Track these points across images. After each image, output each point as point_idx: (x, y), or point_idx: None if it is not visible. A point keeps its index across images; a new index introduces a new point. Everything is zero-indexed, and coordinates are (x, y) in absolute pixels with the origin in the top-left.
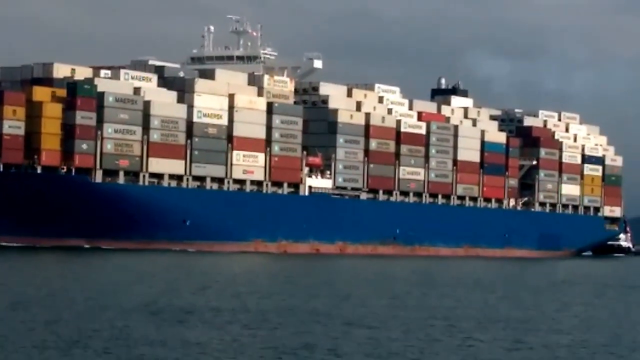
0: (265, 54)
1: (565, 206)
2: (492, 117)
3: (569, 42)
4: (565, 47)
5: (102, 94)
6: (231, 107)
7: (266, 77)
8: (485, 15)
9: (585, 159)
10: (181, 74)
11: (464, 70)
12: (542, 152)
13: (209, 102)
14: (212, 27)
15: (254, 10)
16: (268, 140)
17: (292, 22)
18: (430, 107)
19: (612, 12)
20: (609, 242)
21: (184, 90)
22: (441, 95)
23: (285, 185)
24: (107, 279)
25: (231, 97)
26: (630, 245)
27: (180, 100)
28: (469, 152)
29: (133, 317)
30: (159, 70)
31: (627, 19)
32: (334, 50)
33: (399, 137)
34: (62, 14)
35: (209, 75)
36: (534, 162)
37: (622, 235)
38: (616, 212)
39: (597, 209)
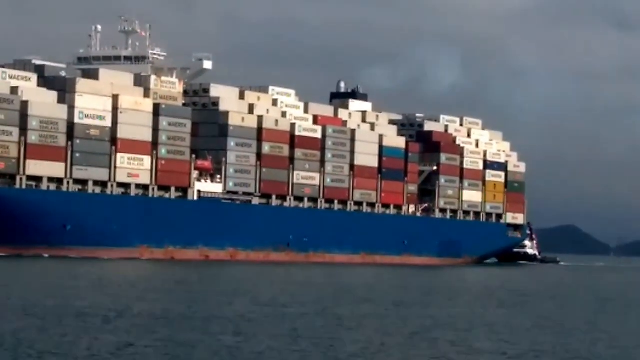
0: (154, 54)
1: (466, 213)
2: (392, 122)
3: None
4: (478, 55)
5: None
6: (115, 109)
7: (153, 77)
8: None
9: (488, 164)
10: (63, 74)
11: (364, 76)
12: (443, 157)
13: (91, 102)
14: (99, 27)
15: (148, 9)
16: (155, 143)
17: (182, 23)
18: (327, 110)
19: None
20: (515, 250)
21: (65, 91)
22: (340, 99)
23: (172, 189)
24: None
25: (115, 97)
26: (537, 253)
27: (61, 100)
28: (367, 157)
29: None
30: (39, 70)
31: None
32: (229, 54)
33: (294, 140)
34: None
35: (92, 75)
36: (435, 168)
37: (527, 243)
38: (519, 219)
39: (499, 216)
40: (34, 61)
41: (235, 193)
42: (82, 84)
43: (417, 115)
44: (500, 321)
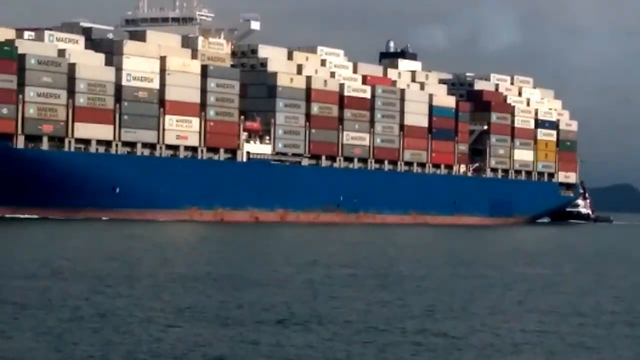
0: (202, 15)
1: (518, 172)
2: (442, 81)
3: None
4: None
5: (23, 56)
6: (163, 70)
7: (201, 39)
8: None
9: (539, 123)
10: (110, 36)
11: (415, 35)
12: (494, 116)
13: (139, 64)
14: None
15: None
16: (203, 105)
17: None
18: (376, 70)
19: None
20: (568, 209)
21: (112, 53)
22: (389, 58)
23: (221, 151)
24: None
25: (163, 59)
26: (590, 212)
27: (108, 62)
28: (417, 116)
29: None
30: (86, 32)
31: None
32: (277, 15)
33: (343, 101)
34: None
35: (139, 37)
36: (485, 127)
37: (580, 202)
38: (571, 178)
39: (551, 175)
40: (81, 24)
41: (285, 154)
42: (129, 46)
43: (467, 74)
44: (564, 281)
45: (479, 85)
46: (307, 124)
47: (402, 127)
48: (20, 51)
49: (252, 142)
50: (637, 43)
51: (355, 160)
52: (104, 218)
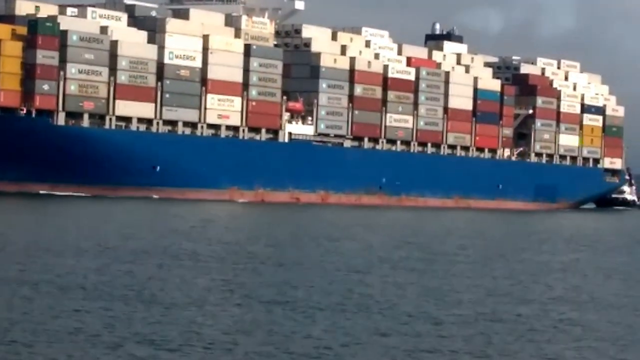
0: None
1: (562, 157)
2: (487, 64)
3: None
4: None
5: (65, 32)
6: (205, 49)
7: (244, 17)
8: None
9: (585, 108)
10: (153, 14)
11: (459, 18)
12: (539, 100)
13: (181, 43)
14: None
15: None
16: (245, 84)
17: None
18: (420, 52)
19: None
20: (613, 195)
21: (155, 31)
22: (434, 39)
23: (263, 131)
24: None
25: (206, 38)
26: (636, 199)
27: (150, 40)
28: (461, 99)
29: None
30: (129, 10)
31: None
32: None
33: (386, 82)
34: None
35: (182, 15)
36: (530, 111)
37: (626, 188)
38: (617, 164)
39: (596, 161)
40: (125, 1)
41: (327, 135)
42: (172, 24)
43: (514, 57)
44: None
45: (524, 69)
46: (350, 105)
47: (446, 110)
48: (62, 27)
49: (294, 122)
50: None
51: (398, 142)
52: (147, 196)
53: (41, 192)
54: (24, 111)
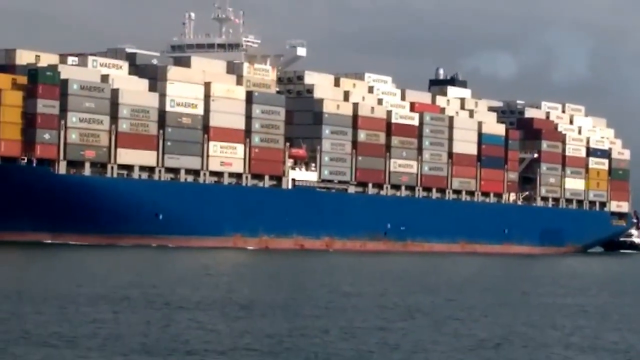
0: (248, 41)
1: (569, 201)
2: (492, 109)
3: (574, 37)
4: (571, 39)
5: (65, 81)
6: (207, 96)
7: (246, 65)
8: (486, 7)
9: (591, 152)
10: (154, 62)
11: (464, 62)
12: (544, 144)
13: (183, 90)
14: (192, 14)
15: None
16: (248, 131)
17: (276, 10)
18: (424, 97)
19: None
20: (621, 238)
21: (156, 79)
22: (438, 84)
23: (266, 178)
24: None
25: (207, 85)
26: None
27: (152, 88)
28: (466, 144)
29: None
30: (131, 58)
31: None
32: (325, 40)
33: (390, 128)
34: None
35: (184, 62)
36: (536, 155)
37: (634, 232)
38: (624, 207)
39: (603, 204)
40: (126, 49)
41: (331, 181)
42: (173, 71)
43: (518, 102)
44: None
45: (529, 113)
46: (354, 151)
47: (450, 154)
48: (63, 76)
49: (297, 169)
50: None
51: (403, 188)
52: (150, 244)
53: (45, 241)
54: (25, 160)
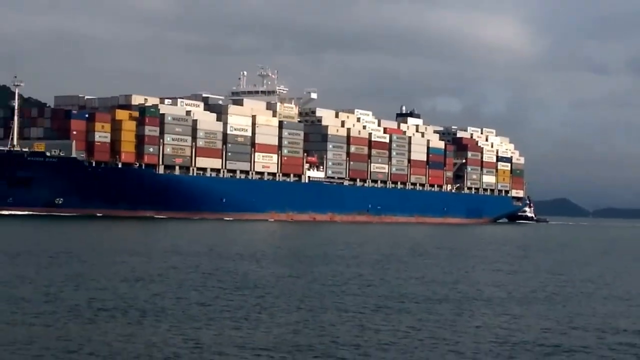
0: (280, 89)
1: (485, 190)
2: (436, 131)
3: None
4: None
5: (163, 114)
6: (254, 124)
7: (278, 104)
8: (444, 66)
9: (499, 158)
10: (220, 102)
11: (425, 103)
12: (469, 154)
13: (238, 120)
14: (245, 72)
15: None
16: (279, 146)
17: (298, 70)
18: (392, 124)
19: (531, 69)
20: (519, 213)
21: (221, 113)
22: (402, 116)
23: (291, 175)
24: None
25: (254, 117)
26: (533, 216)
27: (218, 119)
28: (419, 154)
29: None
30: (205, 99)
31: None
32: (330, 88)
33: (370, 144)
34: (149, 66)
35: (238, 102)
36: (464, 161)
37: (527, 209)
38: (520, 194)
39: (507, 192)
40: (203, 94)
41: (332, 178)
42: (232, 108)
43: (453, 127)
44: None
45: (459, 134)
46: (347, 158)
47: (409, 160)
48: (161, 112)
49: (311, 170)
50: (575, 111)
51: (379, 182)
52: (218, 218)
53: (151, 216)
54: (137, 165)
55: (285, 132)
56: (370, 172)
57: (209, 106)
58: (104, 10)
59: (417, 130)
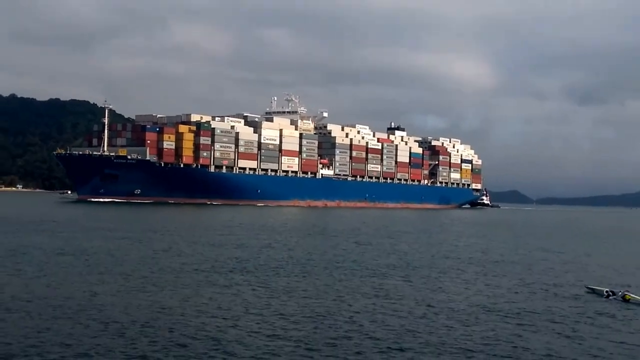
0: (301, 110)
1: (452, 183)
2: (416, 141)
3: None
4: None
5: (214, 128)
6: (281, 135)
7: (299, 121)
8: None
9: (463, 160)
10: (256, 119)
11: (410, 120)
12: (441, 157)
13: (269, 133)
14: (275, 98)
15: (302, 88)
16: (300, 152)
17: (314, 96)
18: (384, 135)
19: (496, 94)
20: (478, 200)
21: (256, 127)
22: (391, 130)
23: (309, 173)
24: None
25: (281, 131)
26: (489, 202)
27: (255, 132)
28: (403, 157)
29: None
30: (245, 117)
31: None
32: (338, 109)
33: (368, 150)
34: (206, 89)
35: (270, 120)
36: (437, 163)
37: (484, 198)
38: (479, 186)
39: (469, 185)
40: (244, 114)
41: (339, 175)
42: (264, 124)
43: (429, 137)
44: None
45: (434, 142)
46: (350, 160)
47: (396, 162)
48: (212, 126)
49: (324, 169)
50: (524, 126)
51: (374, 177)
52: (254, 204)
53: (205, 203)
54: (194, 165)
55: (304, 141)
56: (367, 170)
57: (248, 122)
58: (181, 53)
59: (402, 140)
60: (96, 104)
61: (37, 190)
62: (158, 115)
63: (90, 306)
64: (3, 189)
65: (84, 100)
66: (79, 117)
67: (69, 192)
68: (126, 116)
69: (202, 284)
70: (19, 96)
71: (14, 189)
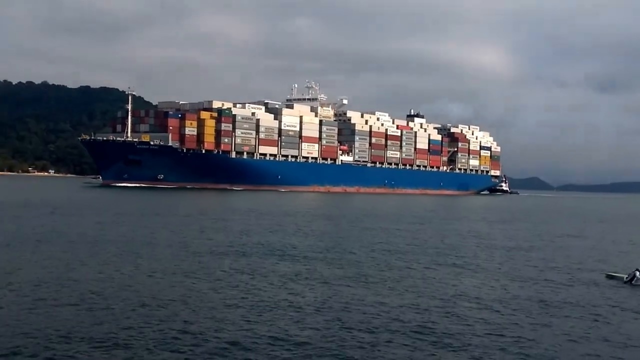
0: (321, 97)
1: (471, 170)
2: (435, 127)
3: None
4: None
5: (235, 115)
6: (301, 122)
7: (319, 107)
8: (446, 79)
9: (482, 147)
10: (277, 106)
11: (428, 107)
12: (460, 144)
13: (290, 119)
14: (296, 85)
15: (327, 76)
16: (320, 138)
17: (334, 83)
18: (403, 122)
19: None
20: (497, 187)
21: (277, 114)
22: (410, 117)
23: (328, 159)
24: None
25: (301, 117)
26: (508, 189)
27: (275, 118)
28: (423, 144)
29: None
30: (265, 104)
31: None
32: (358, 95)
33: (387, 136)
34: (232, 78)
35: (290, 106)
36: (456, 149)
37: (503, 184)
38: (497, 173)
39: (487, 172)
40: (265, 100)
41: (359, 161)
42: (285, 111)
43: (448, 124)
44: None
45: (453, 129)
46: (369, 147)
47: (415, 149)
48: (233, 113)
49: (344, 155)
50: (545, 115)
51: (392, 164)
52: (275, 190)
53: (226, 188)
54: (216, 151)
55: (324, 128)
56: (386, 157)
57: (269, 109)
58: (210, 42)
59: (421, 127)
60: (125, 92)
61: (69, 175)
62: (180, 102)
63: (127, 288)
64: (36, 173)
65: (114, 88)
66: (109, 104)
67: (100, 177)
68: (154, 104)
69: (252, 267)
70: (50, 83)
71: (46, 174)
